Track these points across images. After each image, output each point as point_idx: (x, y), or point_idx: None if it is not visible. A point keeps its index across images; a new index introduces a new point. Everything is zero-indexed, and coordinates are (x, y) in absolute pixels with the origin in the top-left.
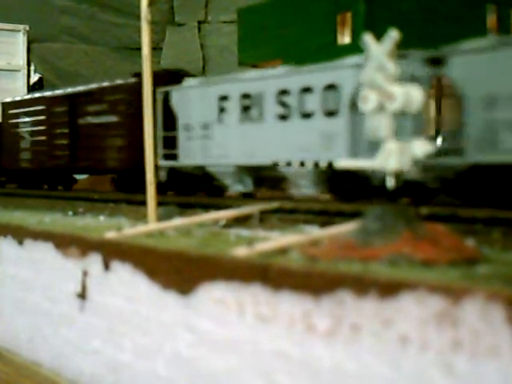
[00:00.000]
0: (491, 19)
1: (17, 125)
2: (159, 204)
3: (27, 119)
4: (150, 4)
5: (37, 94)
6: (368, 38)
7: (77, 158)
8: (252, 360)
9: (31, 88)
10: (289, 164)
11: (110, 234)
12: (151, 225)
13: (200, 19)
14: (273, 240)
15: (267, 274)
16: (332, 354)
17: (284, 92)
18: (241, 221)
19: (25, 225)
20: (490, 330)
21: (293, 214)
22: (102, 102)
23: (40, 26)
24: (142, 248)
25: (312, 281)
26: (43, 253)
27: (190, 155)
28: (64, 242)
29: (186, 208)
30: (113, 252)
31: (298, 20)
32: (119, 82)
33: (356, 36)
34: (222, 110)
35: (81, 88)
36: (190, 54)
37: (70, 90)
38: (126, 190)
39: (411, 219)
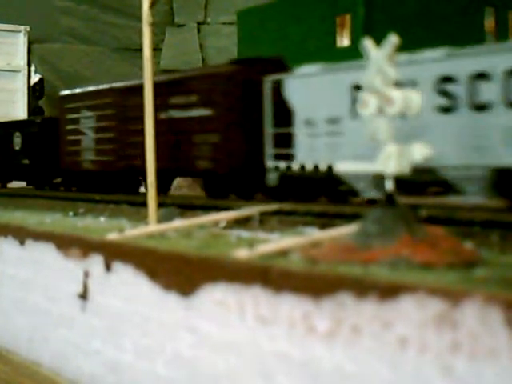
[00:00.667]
0: (489, 22)
1: (77, 120)
2: (160, 205)
3: (91, 114)
4: (152, 6)
5: (103, 85)
6: (367, 43)
7: (157, 158)
8: (252, 361)
9: (31, 89)
10: (455, 166)
11: (112, 235)
12: (152, 226)
13: (199, 20)
14: (273, 242)
15: (268, 275)
16: (332, 355)
17: (447, 79)
18: (241, 222)
19: (26, 225)
20: (488, 332)
21: (292, 215)
22: (191, 92)
23: (40, 26)
24: (143, 249)
25: (312, 283)
26: (44, 253)
27: (312, 155)
28: (65, 243)
29: (186, 209)
30: (114, 253)
31: (298, 22)
32: (213, 69)
33: (355, 38)
34: (356, 101)
35: (161, 77)
36: (189, 55)
37: None
38: (219, 195)
39: (410, 222)
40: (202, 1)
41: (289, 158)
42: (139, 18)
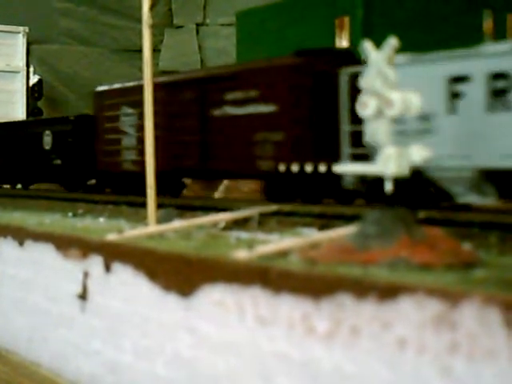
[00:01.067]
0: (487, 24)
1: (117, 118)
2: (159, 206)
3: (133, 110)
4: (151, 8)
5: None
6: (367, 45)
7: (209, 158)
8: (252, 362)
9: (30, 89)
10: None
11: (111, 236)
12: (151, 227)
13: (198, 22)
14: (272, 243)
15: (267, 276)
16: (331, 356)
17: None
18: (240, 223)
19: (25, 226)
20: (486, 333)
21: (291, 216)
22: (250, 87)
23: (39, 27)
24: (142, 250)
25: (312, 284)
26: (44, 254)
27: None
28: (65, 244)
29: (185, 210)
30: (114, 253)
31: (296, 24)
32: (275, 61)
33: (354, 40)
34: (454, 95)
35: (215, 70)
36: (188, 56)
37: (198, 73)
38: (283, 199)
39: (409, 223)
40: (201, 2)
41: (369, 158)
42: (138, 20)
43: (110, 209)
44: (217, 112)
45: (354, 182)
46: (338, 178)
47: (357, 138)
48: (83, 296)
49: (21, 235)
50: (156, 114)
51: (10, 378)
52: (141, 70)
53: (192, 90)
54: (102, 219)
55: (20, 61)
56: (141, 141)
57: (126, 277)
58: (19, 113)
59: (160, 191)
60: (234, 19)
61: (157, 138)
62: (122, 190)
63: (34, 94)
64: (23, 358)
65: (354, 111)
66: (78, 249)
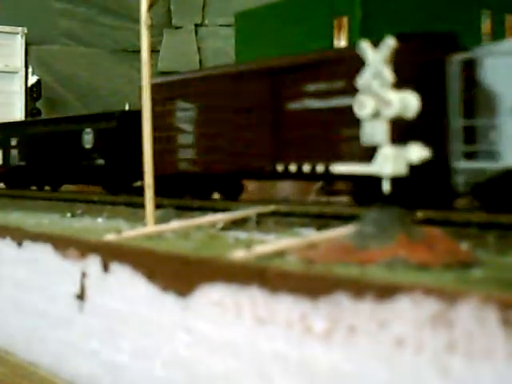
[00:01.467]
0: (486, 25)
1: (170, 113)
2: (157, 207)
3: (190, 104)
4: (150, 8)
5: (206, 70)
6: (365, 45)
7: (284, 157)
8: (250, 361)
9: (29, 90)
10: None
11: (109, 236)
12: (149, 227)
13: (197, 22)
14: (270, 243)
15: (265, 276)
16: (329, 355)
17: None
18: (238, 223)
19: (23, 226)
20: (484, 332)
21: (289, 217)
22: (335, 77)
23: (38, 28)
24: (141, 250)
25: (309, 283)
26: (42, 254)
27: None
28: (63, 244)
29: (183, 211)
30: (112, 254)
31: (295, 24)
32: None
33: (352, 40)
34: None
35: (292, 59)
36: (187, 57)
37: (270, 61)
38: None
39: (407, 223)
40: (200, 3)
41: (488, 156)
42: (137, 20)
43: (108, 209)
44: (293, 105)
45: (467, 183)
46: (446, 178)
47: (469, 133)
48: (81, 296)
49: (19, 235)
50: (218, 108)
51: (9, 378)
52: (139, 70)
53: (262, 81)
54: (100, 219)
55: (18, 61)
56: (201, 138)
57: (124, 277)
58: (18, 114)
59: (223, 193)
60: (232, 20)
61: (217, 136)
62: (174, 193)
63: (32, 94)
64: (21, 358)
65: (466, 104)
66: (76, 249)
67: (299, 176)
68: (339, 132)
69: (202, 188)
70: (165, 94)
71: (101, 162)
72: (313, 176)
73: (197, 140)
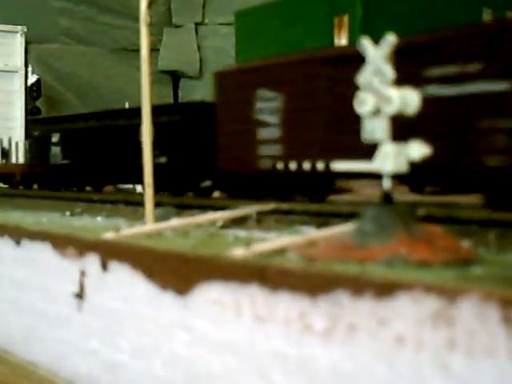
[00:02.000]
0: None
1: (249, 103)
2: (157, 205)
3: (274, 94)
4: (150, 6)
5: (297, 54)
6: (365, 42)
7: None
8: (249, 360)
9: (29, 89)
10: None
11: (108, 235)
12: (149, 225)
13: (197, 21)
14: (270, 241)
15: (264, 274)
16: (328, 353)
17: None
18: (238, 222)
19: (22, 225)
20: (485, 329)
21: (289, 215)
22: (468, 59)
23: (38, 27)
24: (140, 248)
25: (309, 281)
26: (40, 253)
27: None
28: (62, 242)
29: (183, 209)
30: (111, 252)
31: (296, 22)
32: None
33: (353, 39)
34: None
35: (412, 39)
36: (187, 56)
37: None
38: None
39: (407, 220)
40: (200, 1)
41: None
42: (137, 19)
43: (108, 208)
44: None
45: None
46: None
47: None
48: (80, 295)
49: (18, 234)
50: (312, 96)
51: (8, 378)
52: (139, 69)
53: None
54: (99, 218)
55: (18, 60)
56: (289, 131)
57: (123, 275)
58: (18, 112)
59: (303, 195)
60: (233, 18)
61: (311, 128)
62: (251, 194)
63: (32, 93)
64: (20, 358)
65: None
66: (75, 248)
67: (434, 172)
68: (474, 123)
69: (285, 188)
70: (242, 81)
71: (162, 160)
72: (448, 171)
73: (284, 133)
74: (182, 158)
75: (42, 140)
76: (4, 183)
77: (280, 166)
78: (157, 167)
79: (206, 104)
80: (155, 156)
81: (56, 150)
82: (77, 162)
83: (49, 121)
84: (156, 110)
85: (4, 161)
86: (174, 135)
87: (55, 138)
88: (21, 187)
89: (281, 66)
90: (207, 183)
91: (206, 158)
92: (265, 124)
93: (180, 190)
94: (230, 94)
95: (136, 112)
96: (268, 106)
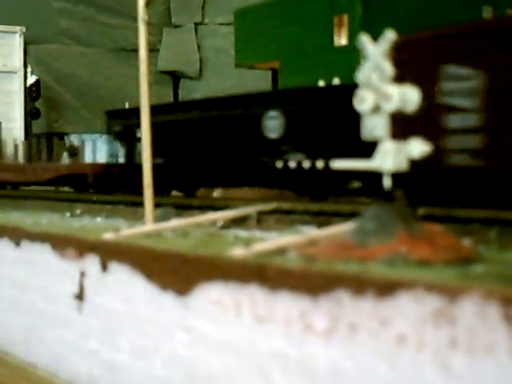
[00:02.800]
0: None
1: (432, 81)
2: (156, 205)
3: (470, 72)
4: (148, 4)
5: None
6: (364, 39)
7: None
8: (249, 360)
9: (28, 90)
10: None
11: (108, 235)
12: (149, 226)
13: (197, 21)
14: (270, 240)
15: (265, 274)
16: (329, 353)
17: None
18: (238, 222)
19: (22, 226)
20: (486, 327)
21: (290, 214)
22: None
23: (37, 27)
24: (139, 249)
25: (309, 280)
26: (40, 254)
27: None
28: (61, 243)
29: (183, 209)
30: (110, 253)
31: (295, 21)
32: None
33: (353, 37)
34: None
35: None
36: (187, 56)
37: None
38: None
39: (408, 219)
40: (200, 1)
41: None
42: (136, 19)
43: (107, 208)
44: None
45: None
46: None
47: None
48: (80, 296)
49: (17, 235)
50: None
51: (8, 379)
52: (139, 69)
53: None
54: (99, 219)
55: (17, 61)
56: (492, 118)
57: (122, 276)
58: (17, 113)
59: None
60: (232, 18)
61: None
62: (429, 198)
63: (31, 94)
64: (20, 359)
65: None
66: (75, 248)
67: None
68: None
69: (488, 190)
70: (425, 54)
71: (298, 157)
72: None
73: (484, 120)
74: (326, 154)
75: (123, 135)
76: (72, 186)
77: (479, 161)
78: (287, 166)
79: (349, 87)
80: (283, 153)
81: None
82: (174, 162)
83: (133, 112)
84: (283, 96)
85: (71, 159)
86: (311, 126)
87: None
88: (91, 190)
89: (478, 32)
90: (355, 184)
91: (352, 152)
92: (454, 110)
93: (320, 193)
94: (406, 68)
95: (260, 98)
96: (459, 86)
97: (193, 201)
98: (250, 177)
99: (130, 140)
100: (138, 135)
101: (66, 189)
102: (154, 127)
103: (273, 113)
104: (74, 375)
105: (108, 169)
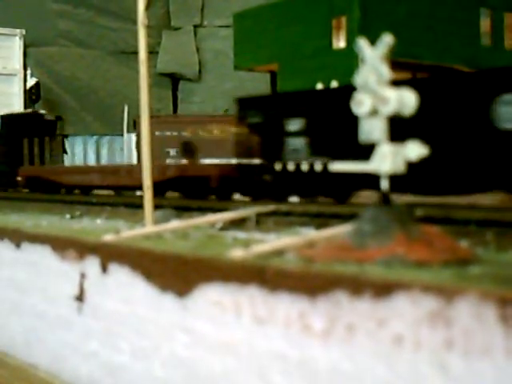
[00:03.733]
0: (485, 23)
1: None
2: (156, 207)
3: None
4: (147, 8)
5: None
6: (362, 42)
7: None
8: (249, 361)
9: (27, 92)
10: None
11: (108, 237)
12: (148, 228)
13: (196, 23)
14: (269, 242)
15: (264, 275)
16: (328, 354)
17: None
18: (237, 223)
19: (22, 228)
20: (482, 328)
21: (289, 216)
22: None
23: (36, 30)
24: (139, 250)
25: (308, 282)
26: (40, 256)
27: None
28: (61, 245)
29: (182, 211)
30: (110, 254)
31: (294, 24)
32: None
33: (351, 40)
34: None
35: None
36: (186, 58)
37: None
38: None
39: (405, 221)
40: (199, 4)
41: None
42: (136, 22)
43: (107, 210)
44: None
45: None
46: None
47: None
48: (80, 297)
49: (17, 237)
50: None
51: (8, 381)
52: (138, 71)
53: None
54: (99, 220)
55: (17, 63)
56: None
57: (122, 277)
58: None
59: None
60: (231, 20)
61: None
62: None
63: (31, 96)
64: (21, 360)
65: None
66: (75, 250)
67: None
68: None
69: None
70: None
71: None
72: None
73: None
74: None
75: (263, 128)
76: (186, 190)
77: None
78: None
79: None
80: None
81: (296, 143)
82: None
83: (279, 100)
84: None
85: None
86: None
87: (295, 126)
88: (213, 197)
89: None
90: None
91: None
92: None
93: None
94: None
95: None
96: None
97: (192, 202)
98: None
99: (272, 134)
100: (289, 128)
101: (177, 194)
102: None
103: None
104: (74, 376)
105: (243, 170)
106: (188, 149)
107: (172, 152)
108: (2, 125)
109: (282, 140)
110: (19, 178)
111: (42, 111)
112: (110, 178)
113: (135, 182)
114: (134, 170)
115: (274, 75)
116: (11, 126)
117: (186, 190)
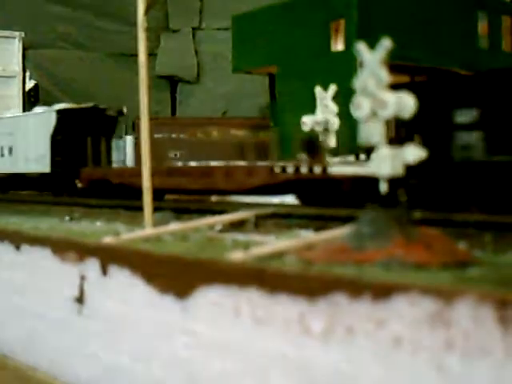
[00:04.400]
0: (483, 26)
1: None
2: (155, 209)
3: None
4: (147, 12)
5: None
6: (361, 46)
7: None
8: (248, 363)
9: (26, 94)
10: None
11: (108, 239)
12: (148, 230)
13: (194, 26)
14: (268, 244)
15: (263, 277)
16: (327, 355)
17: None
18: (236, 225)
19: (22, 230)
20: (481, 330)
21: (288, 218)
22: None
23: (35, 32)
24: (139, 253)
25: (307, 284)
26: (40, 258)
27: None
28: (61, 247)
29: (182, 213)
30: (110, 256)
31: (292, 27)
32: None
33: (349, 43)
34: None
35: None
36: (185, 61)
37: None
38: None
39: (404, 223)
40: (197, 6)
41: None
42: (134, 24)
43: (107, 212)
44: None
45: None
46: None
47: None
48: (80, 299)
49: (17, 239)
50: None
51: (8, 383)
52: (137, 74)
53: None
54: (98, 223)
55: (16, 66)
56: None
57: (122, 280)
58: None
59: None
60: (229, 23)
61: None
62: None
63: (30, 98)
64: (20, 362)
65: None
66: (75, 252)
67: None
68: None
69: None
70: None
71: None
72: None
73: None
74: None
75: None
76: (307, 197)
77: None
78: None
79: None
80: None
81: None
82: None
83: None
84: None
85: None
86: None
87: (465, 116)
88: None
89: None
90: None
91: None
92: None
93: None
94: None
95: None
96: None
97: (191, 205)
98: None
99: (439, 129)
100: (462, 119)
101: (291, 201)
102: None
103: None
104: (74, 378)
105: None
106: (310, 145)
107: (171, 154)
108: (57, 120)
109: (449, 135)
110: (79, 183)
111: (103, 106)
112: (201, 181)
113: (234, 186)
114: (234, 172)
115: (272, 77)
116: (69, 122)
117: (308, 195)
